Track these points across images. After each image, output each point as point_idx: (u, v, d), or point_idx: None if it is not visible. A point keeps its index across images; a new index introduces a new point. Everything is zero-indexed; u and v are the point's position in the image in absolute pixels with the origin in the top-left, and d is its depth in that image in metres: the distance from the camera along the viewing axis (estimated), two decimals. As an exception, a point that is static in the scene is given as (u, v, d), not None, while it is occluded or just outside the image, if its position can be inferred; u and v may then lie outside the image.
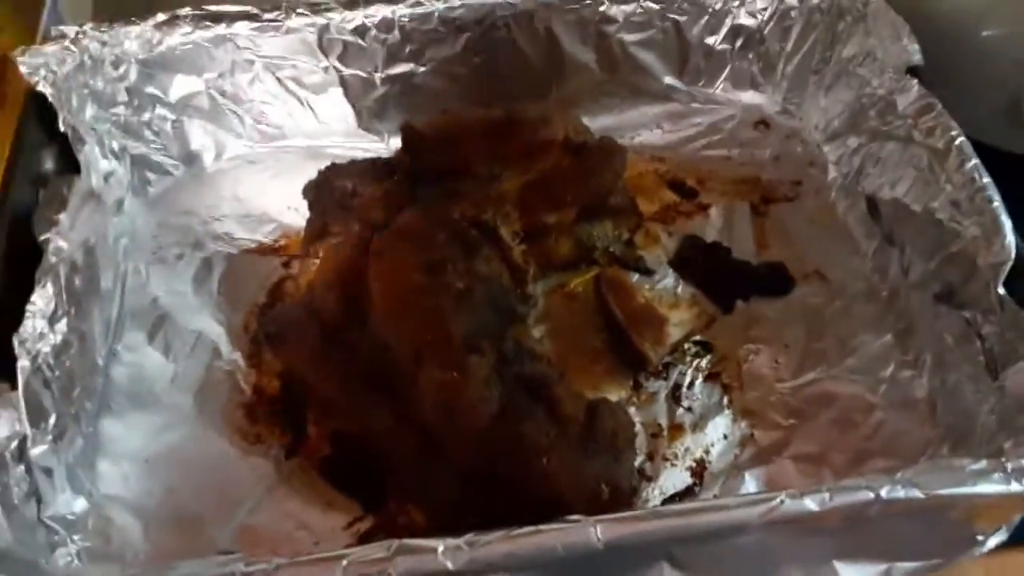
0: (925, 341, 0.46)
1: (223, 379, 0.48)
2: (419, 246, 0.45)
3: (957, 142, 0.44)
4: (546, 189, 0.49)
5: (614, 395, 0.47)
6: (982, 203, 0.42)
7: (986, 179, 0.42)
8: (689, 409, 0.46)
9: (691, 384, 0.48)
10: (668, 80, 0.59)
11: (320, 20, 0.53)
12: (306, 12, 0.53)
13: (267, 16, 0.53)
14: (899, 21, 0.50)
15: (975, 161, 0.43)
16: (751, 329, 0.50)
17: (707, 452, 0.45)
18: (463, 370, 0.40)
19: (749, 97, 0.60)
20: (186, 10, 0.52)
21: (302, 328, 0.47)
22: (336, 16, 0.53)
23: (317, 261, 0.51)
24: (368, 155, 0.58)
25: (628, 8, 0.55)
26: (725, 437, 0.46)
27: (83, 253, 0.46)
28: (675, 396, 0.47)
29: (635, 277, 0.53)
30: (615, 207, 0.52)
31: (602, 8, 0.54)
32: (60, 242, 0.43)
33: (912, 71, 0.48)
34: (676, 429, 0.46)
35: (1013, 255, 0.40)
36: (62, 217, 0.44)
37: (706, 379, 0.48)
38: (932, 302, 0.45)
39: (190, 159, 0.57)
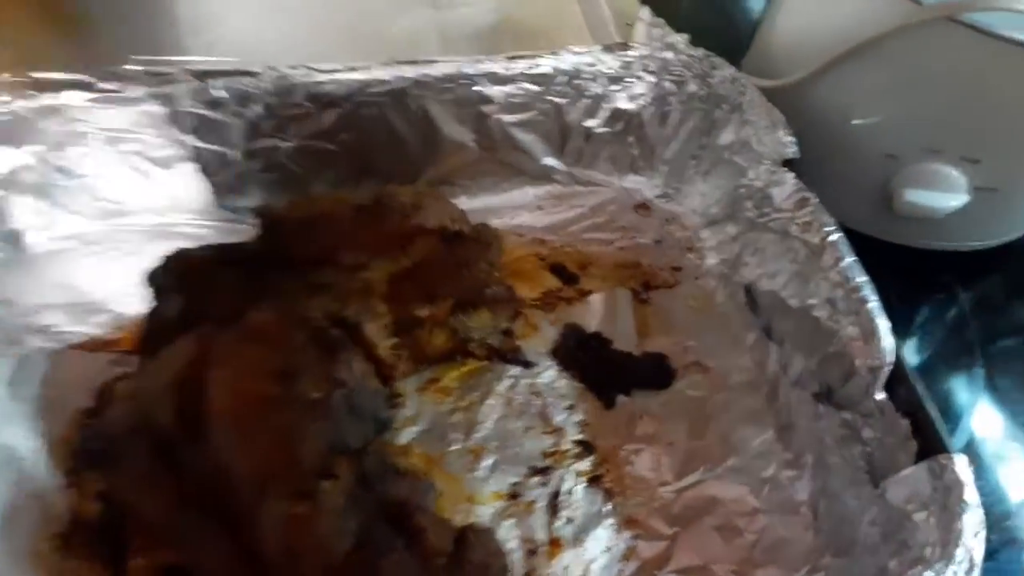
0: (806, 440, 0.45)
1: (33, 504, 0.41)
2: (268, 350, 0.40)
3: (832, 238, 0.44)
4: (418, 280, 0.45)
5: (490, 505, 0.44)
6: (858, 303, 0.41)
7: (862, 278, 0.42)
8: (569, 520, 0.43)
9: (571, 491, 0.45)
10: (548, 161, 0.57)
11: (169, 91, 0.48)
12: (152, 82, 0.48)
13: (105, 86, 0.47)
14: (775, 112, 0.50)
15: (851, 259, 0.43)
16: (633, 426, 0.48)
17: (587, 571, 0.42)
18: (313, 500, 0.35)
19: (630, 180, 0.59)
20: (5, 76, 0.46)
21: (130, 442, 0.41)
22: (187, 87, 0.48)
23: (153, 362, 0.45)
24: (225, 233, 0.53)
25: (507, 89, 0.52)
26: (607, 550, 0.42)
27: None
28: (554, 504, 0.44)
29: (514, 370, 0.50)
30: (492, 297, 0.49)
31: (480, 88, 0.52)
32: None
33: (788, 163, 0.48)
34: (555, 544, 0.43)
35: (891, 359, 0.39)
36: None
37: (588, 484, 0.45)
38: (811, 401, 0.44)
39: (11, 239, 0.50)
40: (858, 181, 0.53)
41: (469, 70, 0.51)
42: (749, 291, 0.51)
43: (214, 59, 0.63)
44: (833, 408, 0.43)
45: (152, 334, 0.45)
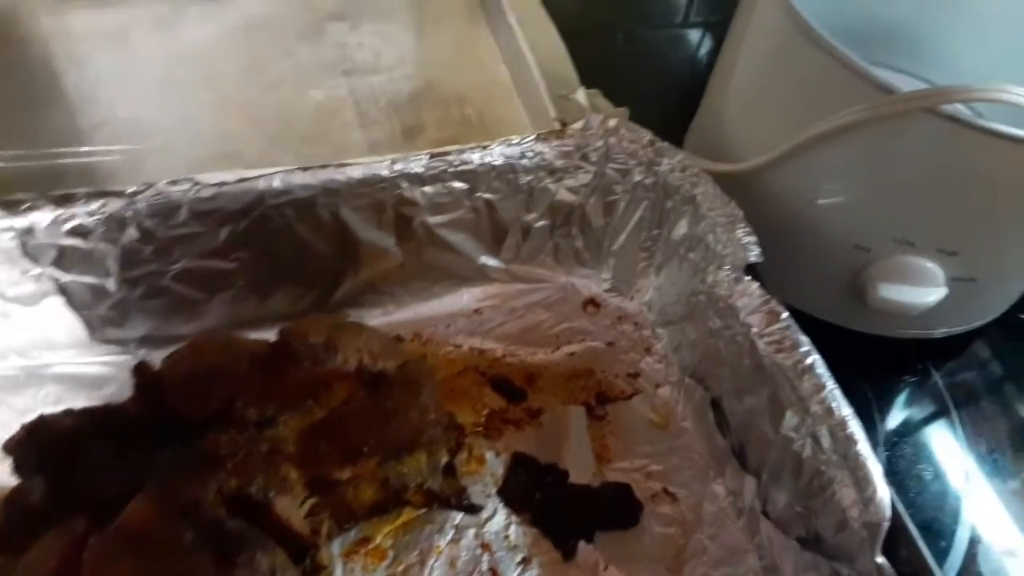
0: (795, 589, 0.39)
1: None
2: (153, 556, 0.33)
3: (809, 361, 0.39)
4: (335, 435, 0.38)
5: None
6: (845, 442, 0.36)
7: (847, 411, 0.37)
8: None
9: (531, 671, 0.38)
10: (484, 260, 0.51)
11: (21, 222, 0.40)
12: (2, 213, 0.40)
13: (-57, 220, 0.39)
14: (731, 207, 0.45)
15: (831, 387, 0.38)
16: (599, 579, 0.42)
17: None
18: None
19: (576, 274, 0.53)
20: None
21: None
22: (44, 216, 0.40)
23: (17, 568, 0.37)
24: (106, 371, 0.45)
25: (430, 189, 0.46)
26: None
27: None
28: None
29: (458, 518, 0.43)
30: (427, 441, 0.42)
31: (399, 191, 0.45)
32: None
33: (750, 268, 0.43)
34: None
35: (888, 516, 0.34)
36: None
37: (551, 661, 0.39)
38: (797, 547, 0.39)
39: None
40: (827, 272, 0.49)
41: (385, 172, 0.44)
42: (716, 406, 0.45)
43: (97, 156, 0.56)
44: (823, 558, 0.38)
45: (11, 527, 0.37)
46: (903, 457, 0.50)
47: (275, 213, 0.43)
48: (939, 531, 0.47)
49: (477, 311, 0.51)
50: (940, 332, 0.52)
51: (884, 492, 0.34)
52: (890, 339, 0.52)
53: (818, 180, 0.46)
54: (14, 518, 0.36)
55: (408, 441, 0.39)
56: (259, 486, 0.36)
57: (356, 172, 0.44)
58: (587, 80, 0.61)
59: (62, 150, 0.57)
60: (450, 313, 0.51)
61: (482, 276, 0.51)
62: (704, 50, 0.75)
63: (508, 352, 0.50)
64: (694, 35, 0.78)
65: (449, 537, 0.42)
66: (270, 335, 0.41)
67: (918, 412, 0.53)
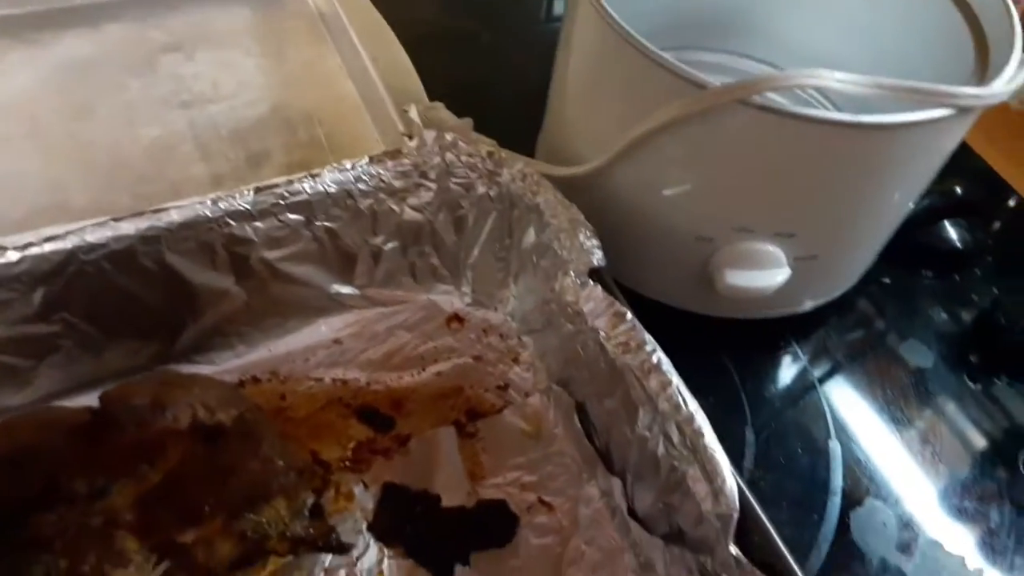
0: (668, 585, 0.40)
1: None
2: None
3: (654, 360, 0.39)
4: (173, 498, 0.36)
5: None
6: (694, 437, 0.37)
7: (693, 405, 0.37)
8: None
9: None
10: (337, 288, 0.49)
11: None
12: None
13: None
14: (573, 212, 0.45)
15: (676, 383, 0.38)
16: (477, 605, 0.41)
17: None
18: None
19: (436, 291, 0.52)
20: None
21: None
22: None
23: None
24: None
25: (263, 224, 0.44)
26: None
27: None
28: None
29: (328, 560, 0.42)
30: (283, 487, 0.40)
31: (229, 229, 0.43)
32: None
33: (595, 273, 0.43)
34: None
35: (736, 506, 0.35)
36: None
37: None
38: (663, 544, 0.39)
39: None
40: (676, 263, 0.49)
41: (209, 212, 0.42)
42: (581, 412, 0.45)
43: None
44: (688, 551, 0.38)
45: None
46: (773, 433, 0.51)
47: (92, 269, 0.41)
48: (810, 505, 0.48)
49: (337, 341, 0.50)
50: (799, 308, 0.54)
51: (731, 483, 0.35)
52: (752, 321, 0.53)
53: (654, 177, 0.46)
54: None
55: (253, 495, 0.38)
56: (92, 564, 0.33)
57: (176, 215, 0.41)
58: (436, 90, 0.60)
59: None
60: (308, 347, 0.49)
61: (338, 305, 0.50)
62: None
63: (372, 380, 0.49)
64: (547, 39, 0.78)
65: (321, 581, 0.41)
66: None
67: (786, 388, 0.54)
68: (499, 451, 0.47)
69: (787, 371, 0.55)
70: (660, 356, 0.39)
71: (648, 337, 0.40)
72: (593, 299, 0.42)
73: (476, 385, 0.49)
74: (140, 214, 0.41)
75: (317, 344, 0.49)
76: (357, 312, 0.51)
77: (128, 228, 0.40)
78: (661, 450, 0.38)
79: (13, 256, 0.39)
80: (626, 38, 0.41)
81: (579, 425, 0.45)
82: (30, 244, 0.39)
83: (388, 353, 0.50)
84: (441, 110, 0.52)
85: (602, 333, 0.41)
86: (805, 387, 0.54)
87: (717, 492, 0.35)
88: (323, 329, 0.50)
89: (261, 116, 0.62)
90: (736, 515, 0.34)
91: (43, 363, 0.43)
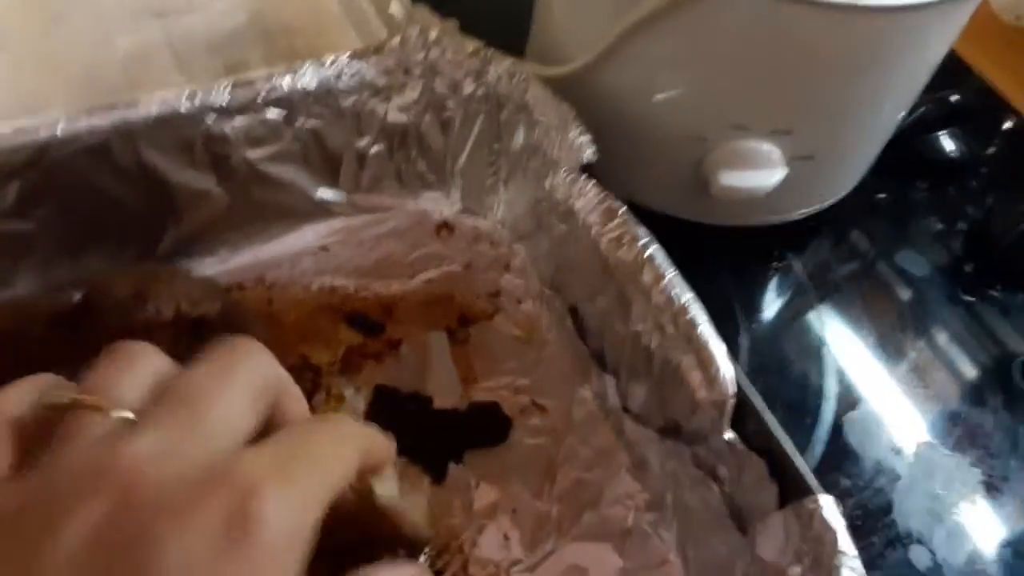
0: (661, 480, 0.40)
1: None
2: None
3: (648, 253, 0.38)
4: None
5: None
6: (689, 327, 0.36)
7: (688, 296, 0.37)
8: (412, 639, 0.36)
9: (409, 601, 0.37)
10: (322, 193, 0.48)
11: None
12: None
13: None
14: (563, 108, 0.43)
15: (672, 275, 0.37)
16: (470, 499, 0.41)
17: None
18: None
19: (424, 199, 0.51)
20: None
21: None
22: None
23: None
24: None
25: (243, 121, 0.42)
26: (461, 663, 0.36)
27: None
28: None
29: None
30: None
31: (207, 125, 0.41)
32: None
33: (587, 168, 0.42)
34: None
35: (732, 391, 0.34)
36: None
37: (428, 588, 0.38)
38: (658, 437, 0.39)
39: None
40: (668, 166, 0.48)
41: (186, 106, 0.40)
42: (575, 313, 0.45)
43: None
44: (683, 444, 0.38)
45: None
46: (766, 341, 0.51)
47: (67, 163, 0.39)
48: (803, 409, 0.48)
49: (323, 248, 0.49)
50: (792, 215, 0.53)
51: (728, 369, 0.35)
52: (746, 228, 0.53)
53: (645, 74, 0.45)
54: None
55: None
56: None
57: (152, 109, 0.40)
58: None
59: None
60: (294, 253, 0.48)
61: (323, 211, 0.49)
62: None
63: (361, 286, 0.48)
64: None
65: (312, 482, 0.41)
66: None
67: (779, 296, 0.54)
68: (491, 356, 0.46)
69: (780, 280, 0.55)
70: (654, 249, 0.38)
71: (642, 231, 0.39)
72: (584, 195, 0.41)
73: (467, 292, 0.48)
74: (113, 106, 0.39)
75: (303, 250, 0.48)
76: (343, 219, 0.49)
77: (102, 121, 0.39)
78: (655, 343, 0.38)
79: (-14, 147, 0.37)
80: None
81: (572, 328, 0.45)
82: (1, 135, 0.37)
83: (376, 261, 0.49)
84: (424, 11, 0.50)
85: (594, 229, 0.40)
86: (798, 295, 0.54)
87: (711, 380, 0.35)
88: (309, 235, 0.49)
89: (238, 26, 0.60)
90: (731, 401, 0.34)
91: (20, 264, 0.41)
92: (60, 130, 0.38)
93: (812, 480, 0.32)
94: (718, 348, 0.35)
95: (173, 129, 0.41)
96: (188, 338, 0.36)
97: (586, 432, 0.43)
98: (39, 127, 0.38)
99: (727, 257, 0.53)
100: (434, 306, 0.48)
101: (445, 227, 0.51)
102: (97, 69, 0.56)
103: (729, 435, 0.34)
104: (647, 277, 0.38)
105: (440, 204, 0.51)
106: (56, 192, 0.40)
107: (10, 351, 0.34)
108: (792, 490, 0.32)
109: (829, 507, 0.31)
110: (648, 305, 0.38)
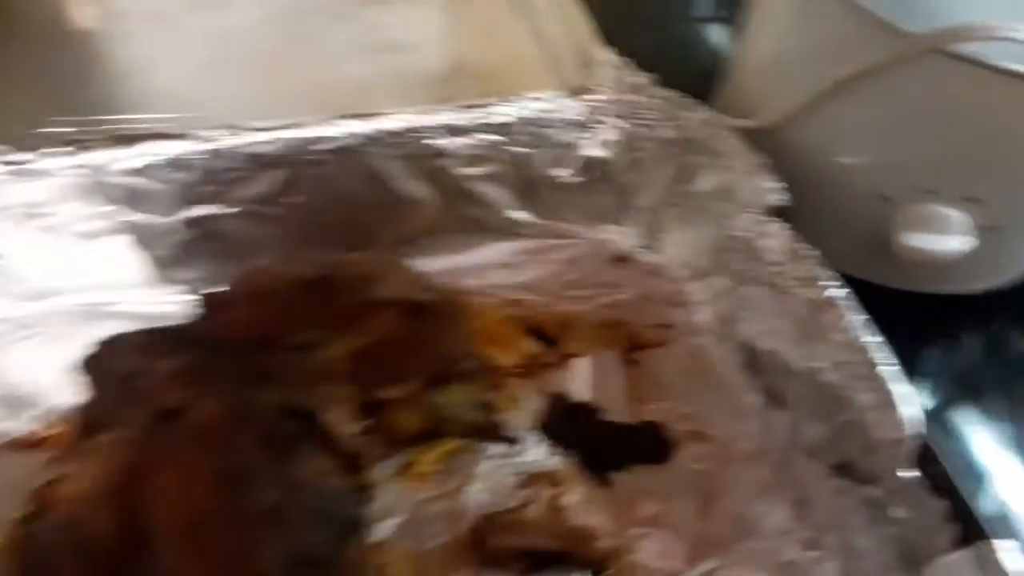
0: (826, 518, 0.40)
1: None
2: (217, 450, 0.35)
3: (835, 294, 0.40)
4: (381, 359, 0.40)
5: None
6: (868, 367, 0.38)
7: (873, 338, 0.38)
8: (572, 621, 0.38)
9: (572, 587, 0.40)
10: (515, 214, 0.53)
11: (94, 160, 0.43)
12: (71, 151, 0.42)
13: (19, 157, 0.42)
14: (756, 157, 0.46)
15: (859, 317, 0.39)
16: (635, 508, 0.43)
17: None
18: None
19: (605, 231, 0.54)
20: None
21: (62, 558, 0.35)
22: (117, 154, 0.43)
23: (86, 463, 0.39)
24: (169, 308, 0.47)
25: (464, 140, 0.48)
26: (617, 656, 0.38)
27: None
28: (555, 604, 0.39)
29: (496, 449, 0.45)
30: (465, 372, 0.44)
31: (436, 141, 0.47)
32: None
33: (777, 212, 0.45)
34: (558, 653, 0.38)
35: (914, 431, 0.35)
36: None
37: (589, 579, 0.40)
38: (829, 474, 0.40)
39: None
40: (851, 224, 0.50)
41: (420, 122, 0.47)
42: (748, 350, 0.47)
43: (143, 117, 0.59)
44: (856, 483, 0.39)
45: (86, 431, 0.39)
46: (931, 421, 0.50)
47: (317, 161, 0.46)
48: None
49: (508, 264, 0.53)
50: (973, 288, 0.53)
51: (915, 409, 0.36)
52: (921, 295, 0.52)
53: (839, 131, 0.47)
54: (88, 423, 0.39)
55: (447, 365, 0.42)
56: (309, 398, 0.38)
57: (394, 122, 0.46)
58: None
59: (109, 117, 0.60)
60: (481, 265, 0.53)
61: (514, 230, 0.53)
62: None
63: (541, 303, 0.52)
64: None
65: (488, 466, 0.44)
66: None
67: (945, 373, 0.53)
68: (659, 381, 0.49)
69: (949, 355, 0.54)
70: (839, 291, 0.40)
71: (829, 272, 0.41)
72: (772, 236, 0.43)
73: (639, 321, 0.51)
74: (361, 116, 0.46)
75: (492, 264, 0.53)
76: (531, 240, 0.54)
77: (354, 127, 0.46)
78: (834, 381, 0.39)
79: (259, 137, 0.44)
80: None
81: (744, 364, 0.47)
82: (273, 127, 0.44)
83: (555, 282, 0.53)
84: (624, 62, 0.54)
85: (779, 268, 0.43)
86: (966, 374, 0.53)
87: (894, 419, 0.36)
88: (496, 252, 0.53)
89: (447, 66, 0.67)
90: (912, 441, 0.35)
91: (264, 246, 0.48)
92: (318, 131, 0.45)
93: (992, 524, 0.32)
94: (903, 388, 0.36)
95: (406, 141, 0.47)
96: (407, 319, 0.41)
97: (750, 465, 0.44)
98: (299, 126, 0.45)
99: (898, 322, 0.53)
100: (607, 329, 0.51)
101: (622, 259, 0.54)
102: (330, 90, 0.64)
103: (911, 474, 0.35)
104: (831, 316, 0.40)
105: (620, 237, 0.55)
106: (304, 185, 0.46)
107: (265, 305, 0.40)
108: (971, 533, 0.33)
109: (1012, 553, 0.31)
110: (829, 344, 0.40)
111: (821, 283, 0.41)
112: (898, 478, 0.35)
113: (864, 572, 0.38)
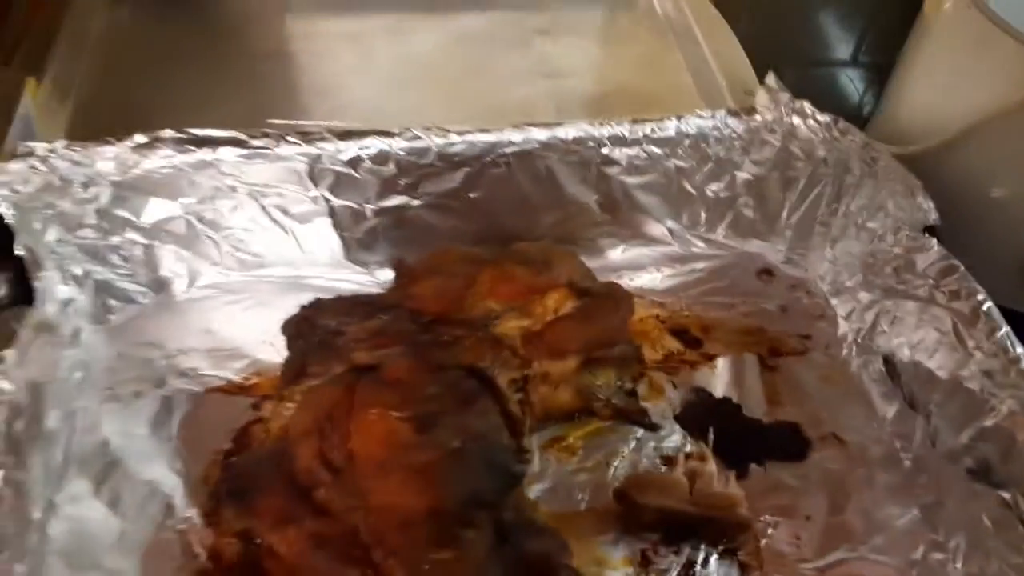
0: (957, 520, 0.42)
1: (175, 540, 0.42)
2: (409, 397, 0.40)
3: (985, 307, 0.42)
4: (548, 335, 0.46)
5: (620, 571, 0.42)
6: (1018, 376, 0.39)
7: (1020, 349, 0.40)
8: (705, 593, 0.41)
9: (705, 561, 0.43)
10: (669, 224, 0.57)
11: (312, 150, 0.50)
12: (297, 141, 0.50)
13: (256, 143, 0.50)
14: (911, 178, 0.49)
15: (1006, 329, 0.41)
16: (768, 498, 0.46)
17: (727, 646, 0.40)
18: (457, 547, 0.35)
19: (752, 245, 0.58)
20: (168, 132, 0.49)
21: (268, 483, 0.42)
22: (329, 146, 0.50)
23: (290, 405, 0.46)
24: (353, 287, 0.54)
25: (631, 151, 0.53)
26: (747, 627, 0.41)
27: (28, 393, 0.41)
28: (688, 575, 0.42)
29: (639, 432, 0.49)
30: (619, 356, 0.48)
31: (604, 150, 0.53)
32: (3, 383, 0.38)
33: (929, 230, 0.47)
34: (692, 616, 0.41)
35: (1059, 436, 0.37)
36: (8, 353, 0.39)
37: (721, 556, 0.43)
38: (966, 478, 0.42)
39: (159, 286, 0.52)
40: (999, 252, 0.51)
41: (595, 132, 0.52)
42: (888, 361, 0.49)
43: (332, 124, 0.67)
44: (991, 487, 0.40)
45: (290, 379, 0.46)
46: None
47: (501, 162, 0.52)
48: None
49: (658, 269, 0.57)
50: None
51: (1057, 416, 0.37)
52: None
53: (990, 161, 0.49)
54: (290, 373, 0.46)
55: (606, 347, 0.46)
56: (488, 363, 0.43)
57: (571, 131, 0.52)
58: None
59: (310, 122, 0.68)
60: (634, 268, 0.57)
61: (665, 239, 0.58)
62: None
63: (685, 307, 0.56)
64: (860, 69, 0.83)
65: (631, 446, 0.48)
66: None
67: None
68: (797, 386, 0.51)
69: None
70: (991, 305, 0.42)
71: (979, 287, 0.43)
72: (926, 251, 0.46)
73: (779, 330, 0.54)
74: (544, 124, 0.52)
75: (641, 267, 0.57)
76: (680, 249, 0.58)
77: (536, 133, 0.52)
78: (978, 388, 0.41)
79: (453, 139, 0.51)
80: (1002, 26, 0.45)
81: (882, 373, 0.49)
82: (467, 131, 0.51)
83: (700, 289, 0.57)
84: (785, 90, 0.58)
85: (931, 281, 0.45)
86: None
87: (1039, 424, 0.37)
88: (647, 257, 0.58)
89: (608, 93, 0.73)
90: (1057, 445, 0.37)
91: (443, 236, 0.54)
92: (506, 135, 0.51)
93: None
94: (1048, 397, 0.38)
95: (580, 149, 0.52)
96: (574, 301, 0.46)
97: (882, 468, 0.46)
98: (492, 132, 0.51)
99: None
100: (748, 335, 0.54)
101: (766, 273, 0.57)
102: (497, 109, 0.71)
103: (1051, 475, 0.36)
104: (981, 327, 0.42)
105: (765, 252, 0.58)
106: (487, 183, 0.53)
107: (450, 280, 0.46)
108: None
109: None
110: (977, 353, 0.42)
111: (972, 297, 0.43)
112: (1037, 482, 0.37)
113: (992, 571, 0.39)
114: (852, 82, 0.80)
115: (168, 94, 0.68)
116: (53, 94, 0.63)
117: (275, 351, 0.51)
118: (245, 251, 0.54)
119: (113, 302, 0.51)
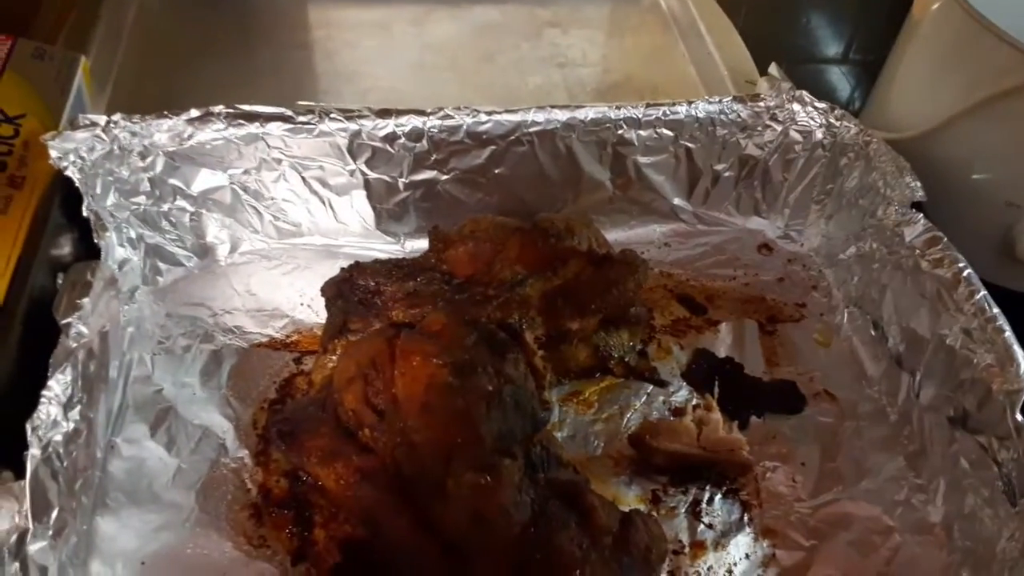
0: (938, 465, 0.47)
1: (228, 477, 0.46)
2: (449, 346, 0.45)
3: (965, 273, 0.47)
4: (569, 297, 0.50)
5: (633, 507, 0.46)
6: (994, 333, 0.44)
7: (996, 310, 0.45)
8: (710, 526, 0.46)
9: (710, 499, 0.47)
10: (677, 201, 0.62)
11: (352, 126, 0.54)
12: (339, 117, 0.54)
13: (301, 119, 0.54)
14: (900, 160, 0.54)
15: (984, 292, 0.46)
16: (767, 445, 0.50)
17: (730, 572, 0.44)
18: (496, 474, 0.39)
19: (753, 222, 0.63)
20: (220, 107, 0.53)
21: (315, 425, 0.46)
22: (368, 123, 0.55)
23: (333, 358, 0.50)
24: (383, 255, 0.58)
25: (644, 133, 0.58)
26: (747, 557, 0.45)
27: (99, 340, 0.44)
28: (695, 512, 0.47)
29: (650, 388, 0.53)
30: (633, 317, 0.53)
31: (620, 132, 0.57)
32: (81, 327, 0.42)
33: (916, 206, 0.51)
34: (698, 547, 0.45)
35: (1028, 383, 0.41)
36: (85, 302, 0.43)
37: (725, 495, 0.48)
38: (947, 426, 0.47)
39: (204, 252, 0.57)
40: (979, 229, 0.56)
41: (611, 115, 0.57)
42: (877, 325, 0.53)
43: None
44: (968, 432, 0.45)
45: (332, 335, 0.50)
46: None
47: (525, 141, 0.56)
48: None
49: (666, 244, 0.62)
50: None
51: (1025, 364, 0.42)
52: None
53: (974, 146, 0.54)
54: (333, 328, 0.50)
55: (622, 308, 0.51)
56: (515, 318, 0.48)
57: (591, 112, 0.56)
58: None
59: (336, 105, 0.72)
60: (643, 242, 0.62)
61: (673, 215, 0.62)
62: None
63: (691, 276, 0.60)
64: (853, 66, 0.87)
65: (642, 400, 0.53)
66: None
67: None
68: (793, 349, 0.56)
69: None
70: (970, 272, 0.47)
71: (960, 256, 0.48)
72: (913, 223, 0.50)
73: (777, 298, 0.59)
74: (566, 106, 0.56)
75: (650, 241, 0.62)
76: (685, 225, 0.63)
77: (558, 114, 0.56)
78: (959, 345, 0.46)
79: (482, 118, 0.55)
80: (985, 25, 0.50)
81: (871, 337, 0.54)
82: (495, 111, 0.55)
83: (705, 262, 0.61)
84: (783, 79, 0.63)
85: (917, 251, 0.49)
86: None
87: (1010, 373, 0.42)
88: (656, 233, 0.62)
89: (617, 81, 0.77)
90: (1025, 390, 0.41)
91: (468, 209, 0.58)
92: (530, 116, 0.55)
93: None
94: (1019, 351, 0.43)
95: (598, 130, 0.57)
96: (592, 268, 0.51)
97: (871, 422, 0.51)
98: (518, 111, 0.55)
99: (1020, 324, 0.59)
100: (748, 303, 0.59)
101: (766, 247, 0.62)
102: (515, 97, 0.75)
103: (1019, 418, 0.41)
104: (961, 291, 0.46)
105: (765, 228, 0.63)
106: (511, 160, 0.57)
107: (481, 245, 0.50)
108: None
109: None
110: (958, 315, 0.46)
111: (954, 264, 0.48)
112: (1007, 424, 0.41)
113: (969, 507, 0.44)
114: (843, 78, 0.85)
115: (200, 78, 0.72)
116: (94, 75, 0.67)
117: (312, 312, 0.55)
118: (284, 220, 0.58)
119: (162, 264, 0.55)
